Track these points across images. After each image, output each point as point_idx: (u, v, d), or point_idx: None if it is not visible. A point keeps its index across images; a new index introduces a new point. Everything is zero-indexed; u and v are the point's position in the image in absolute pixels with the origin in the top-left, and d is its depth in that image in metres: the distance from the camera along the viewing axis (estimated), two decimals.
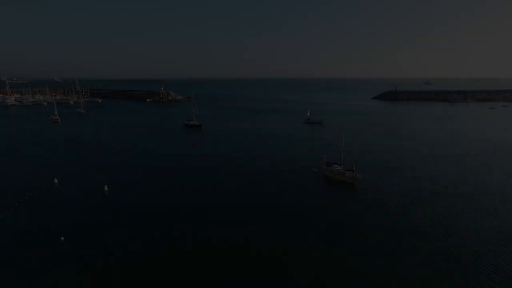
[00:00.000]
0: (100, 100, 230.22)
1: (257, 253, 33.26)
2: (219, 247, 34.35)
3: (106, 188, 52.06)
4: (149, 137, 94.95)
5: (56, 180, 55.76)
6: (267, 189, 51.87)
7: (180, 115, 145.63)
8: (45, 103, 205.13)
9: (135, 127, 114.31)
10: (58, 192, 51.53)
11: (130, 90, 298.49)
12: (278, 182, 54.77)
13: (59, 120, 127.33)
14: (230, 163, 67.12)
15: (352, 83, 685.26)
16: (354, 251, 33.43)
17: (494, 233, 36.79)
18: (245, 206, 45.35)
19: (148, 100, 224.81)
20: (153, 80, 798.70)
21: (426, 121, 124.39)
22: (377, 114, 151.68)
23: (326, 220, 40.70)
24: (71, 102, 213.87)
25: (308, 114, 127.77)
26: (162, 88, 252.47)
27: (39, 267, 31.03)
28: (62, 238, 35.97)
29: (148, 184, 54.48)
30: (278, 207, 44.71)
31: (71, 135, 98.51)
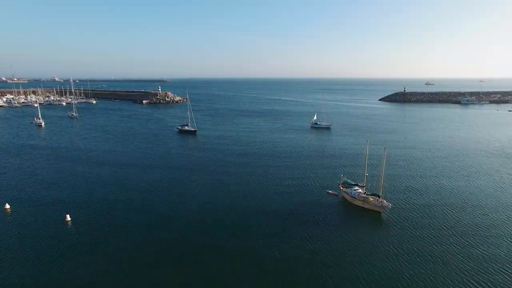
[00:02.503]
0: (94, 102, 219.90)
1: None
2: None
3: (68, 218, 41.14)
4: (138, 147, 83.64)
5: (7, 206, 44.79)
6: (269, 219, 40.72)
7: (176, 118, 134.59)
8: (36, 105, 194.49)
9: (124, 133, 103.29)
10: (6, 221, 40.64)
11: (127, 90, 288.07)
12: (283, 211, 43.52)
13: (43, 124, 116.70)
14: (225, 180, 56.00)
15: (351, 84, 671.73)
16: None
17: None
18: (237, 244, 34.23)
19: (144, 101, 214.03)
20: (158, 80, 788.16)
21: (446, 127, 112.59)
22: (389, 118, 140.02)
23: (343, 266, 29.78)
24: (64, 104, 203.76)
25: (315, 118, 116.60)
26: (159, 89, 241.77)
27: None
28: None
29: (123, 214, 43.32)
30: (281, 241, 34.05)
31: (49, 143, 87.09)
